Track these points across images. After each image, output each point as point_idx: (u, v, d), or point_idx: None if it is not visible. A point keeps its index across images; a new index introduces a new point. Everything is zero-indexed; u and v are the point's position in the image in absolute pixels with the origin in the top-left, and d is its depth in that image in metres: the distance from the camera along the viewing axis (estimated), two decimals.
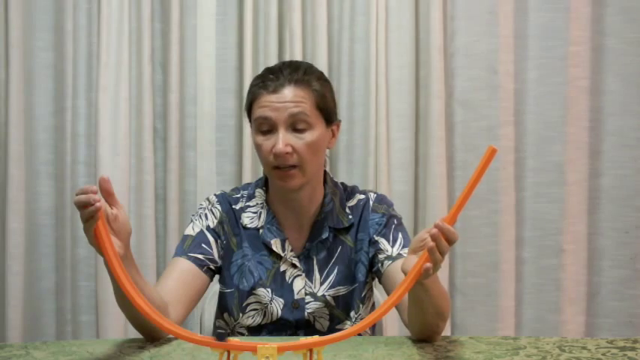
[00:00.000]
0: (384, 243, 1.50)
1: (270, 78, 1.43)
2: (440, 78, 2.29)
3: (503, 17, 2.32)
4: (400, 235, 1.51)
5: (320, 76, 1.49)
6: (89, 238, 1.13)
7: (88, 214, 1.09)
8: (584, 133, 2.34)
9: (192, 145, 2.31)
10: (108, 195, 1.16)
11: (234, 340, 0.99)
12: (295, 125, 1.41)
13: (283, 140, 1.39)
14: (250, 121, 1.48)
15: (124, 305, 1.27)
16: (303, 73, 1.44)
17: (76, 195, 1.11)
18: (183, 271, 1.45)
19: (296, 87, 1.42)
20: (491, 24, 2.32)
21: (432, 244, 1.10)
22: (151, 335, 1.33)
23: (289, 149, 1.39)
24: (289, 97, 1.40)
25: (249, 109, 1.47)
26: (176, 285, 1.43)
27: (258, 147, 1.44)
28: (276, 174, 1.43)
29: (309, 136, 1.42)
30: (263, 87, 1.42)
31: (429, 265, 1.10)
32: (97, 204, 1.09)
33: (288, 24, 2.29)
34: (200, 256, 1.47)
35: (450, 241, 1.12)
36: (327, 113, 1.46)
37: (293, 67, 1.46)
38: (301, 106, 1.41)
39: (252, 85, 1.47)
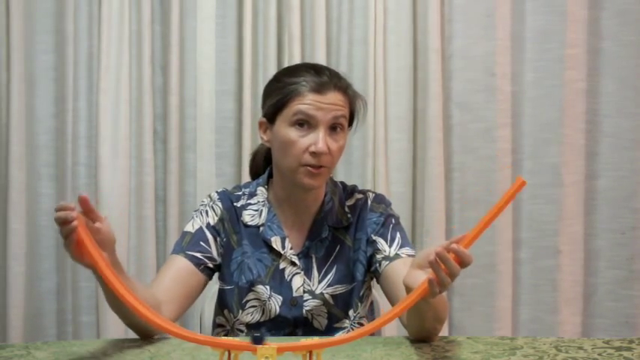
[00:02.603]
0: (381, 243, 1.51)
1: (311, 77, 1.43)
2: (437, 80, 2.30)
3: (501, 20, 2.33)
4: (398, 235, 1.52)
5: (352, 86, 1.52)
6: (70, 253, 1.15)
7: (67, 231, 1.12)
8: (580, 135, 2.35)
9: (192, 146, 2.32)
10: (88, 212, 1.18)
11: (235, 339, 1.00)
12: (333, 128, 1.43)
13: (324, 140, 1.41)
14: (276, 115, 1.45)
15: (117, 307, 1.31)
16: (345, 81, 1.48)
17: (56, 211, 1.13)
18: (179, 269, 1.46)
19: (339, 92, 1.44)
20: (489, 27, 2.33)
21: (441, 272, 1.10)
22: (146, 332, 1.35)
23: (327, 150, 1.41)
24: (334, 100, 1.43)
25: (282, 104, 1.44)
26: (171, 283, 1.44)
27: (290, 142, 1.42)
28: (306, 170, 1.42)
29: (342, 139, 1.45)
30: (305, 84, 1.43)
31: (432, 278, 1.10)
32: (74, 223, 1.11)
33: (287, 26, 2.30)
34: (198, 255, 1.48)
35: (464, 264, 1.11)
36: (352, 120, 1.52)
37: (333, 72, 1.48)
38: (343, 110, 1.44)
39: (287, 82, 1.45)
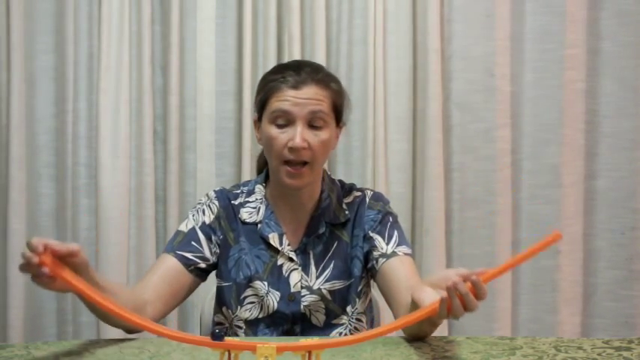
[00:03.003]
0: (379, 240, 1.51)
1: (290, 74, 1.44)
2: (437, 81, 2.30)
3: (500, 20, 2.34)
4: (396, 233, 1.53)
5: (336, 79, 1.52)
6: (39, 285, 1.13)
7: (33, 271, 1.11)
8: (579, 136, 2.35)
9: (192, 147, 2.32)
10: (61, 257, 1.14)
11: (234, 339, 1.01)
12: (313, 122, 1.43)
13: (301, 135, 1.41)
14: (262, 113, 1.48)
15: (102, 316, 1.33)
16: (325, 75, 1.48)
17: (27, 245, 1.11)
18: (168, 269, 1.47)
19: (317, 86, 1.44)
20: (488, 27, 2.34)
21: (456, 300, 1.10)
22: (132, 329, 1.36)
23: (306, 144, 1.42)
24: (310, 94, 1.43)
25: (264, 102, 1.47)
26: (159, 281, 1.45)
27: (271, 139, 1.44)
28: (286, 171, 1.44)
29: (323, 134, 1.44)
30: (284, 81, 1.44)
31: (445, 300, 1.11)
32: (44, 269, 1.09)
33: (287, 27, 2.30)
34: (188, 255, 1.49)
35: (478, 298, 1.12)
36: (339, 114, 1.50)
37: (314, 66, 1.49)
38: (321, 105, 1.44)
39: (269, 80, 1.47)
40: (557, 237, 1.08)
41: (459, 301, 1.10)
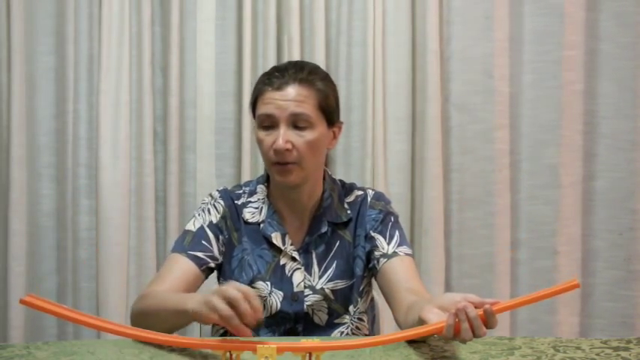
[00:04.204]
0: (380, 240, 1.52)
1: (275, 75, 1.45)
2: (436, 82, 2.30)
3: (499, 22, 2.34)
4: (397, 233, 1.54)
5: (324, 77, 1.51)
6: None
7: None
8: (578, 136, 2.36)
9: (192, 147, 2.32)
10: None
11: (235, 339, 1.01)
12: (296, 123, 1.43)
13: (284, 137, 1.42)
14: (254, 116, 1.50)
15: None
16: (308, 73, 1.47)
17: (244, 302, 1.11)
18: (184, 271, 1.47)
19: (300, 86, 1.44)
20: (487, 28, 2.34)
21: (465, 324, 1.10)
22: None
23: (289, 146, 1.42)
24: (292, 95, 1.43)
25: (254, 105, 1.49)
26: (177, 283, 1.45)
27: (259, 142, 1.46)
28: (276, 169, 1.45)
29: (309, 134, 1.44)
30: (268, 84, 1.45)
31: (452, 320, 1.11)
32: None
33: (287, 28, 2.31)
34: (200, 254, 1.49)
35: (489, 327, 1.12)
36: (329, 114, 1.49)
37: (298, 66, 1.48)
38: (303, 106, 1.43)
39: (258, 82, 1.49)
40: (574, 286, 1.10)
41: (468, 325, 1.11)
